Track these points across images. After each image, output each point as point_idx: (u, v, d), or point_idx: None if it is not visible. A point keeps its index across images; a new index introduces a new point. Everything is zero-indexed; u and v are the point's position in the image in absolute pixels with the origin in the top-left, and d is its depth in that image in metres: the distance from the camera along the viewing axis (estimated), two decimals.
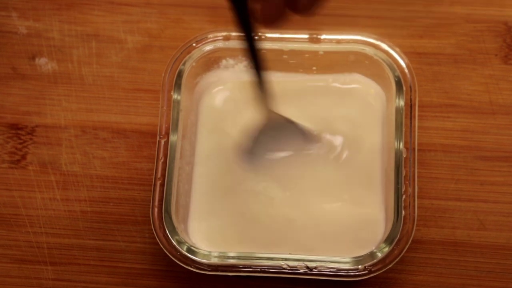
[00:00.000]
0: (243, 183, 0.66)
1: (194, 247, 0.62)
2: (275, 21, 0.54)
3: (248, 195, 0.66)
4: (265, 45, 0.66)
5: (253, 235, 0.65)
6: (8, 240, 0.68)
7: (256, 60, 0.57)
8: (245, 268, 0.62)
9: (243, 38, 0.55)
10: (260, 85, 0.60)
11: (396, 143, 0.64)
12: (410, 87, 0.65)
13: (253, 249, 0.64)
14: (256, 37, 0.55)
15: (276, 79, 0.65)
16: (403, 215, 0.62)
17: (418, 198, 0.62)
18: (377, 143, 0.67)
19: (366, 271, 0.61)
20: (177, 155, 0.64)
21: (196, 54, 0.67)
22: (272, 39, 0.67)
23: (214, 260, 0.62)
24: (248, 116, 0.67)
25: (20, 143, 0.71)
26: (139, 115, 0.71)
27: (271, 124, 0.64)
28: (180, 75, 0.66)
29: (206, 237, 0.65)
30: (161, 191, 0.63)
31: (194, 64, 0.67)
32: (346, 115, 0.68)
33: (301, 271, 0.61)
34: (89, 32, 0.74)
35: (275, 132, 0.65)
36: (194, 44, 0.67)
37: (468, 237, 0.67)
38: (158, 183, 0.63)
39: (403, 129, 0.64)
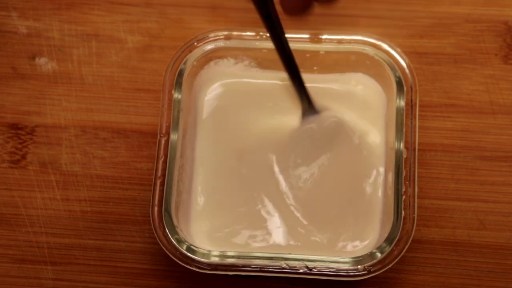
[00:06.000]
0: (244, 181, 0.66)
1: (193, 246, 0.62)
2: (299, 10, 0.53)
3: (249, 193, 0.66)
4: (266, 45, 0.66)
5: (253, 234, 0.65)
6: (8, 240, 0.68)
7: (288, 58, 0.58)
8: (244, 267, 0.62)
9: (271, 35, 0.55)
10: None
11: (396, 144, 0.64)
12: (411, 87, 0.65)
13: (253, 249, 0.64)
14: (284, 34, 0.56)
15: (277, 78, 0.65)
16: (403, 216, 0.62)
17: (418, 198, 0.62)
18: (378, 143, 0.67)
19: (366, 271, 0.61)
20: (178, 154, 0.64)
21: (197, 53, 0.67)
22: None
23: (214, 259, 0.62)
24: (249, 115, 0.68)
25: (20, 143, 0.71)
26: (139, 115, 0.71)
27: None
28: (181, 74, 0.66)
29: (207, 236, 0.65)
30: (161, 190, 0.63)
31: (195, 63, 0.67)
32: (346, 115, 0.68)
33: (301, 270, 0.61)
34: (89, 32, 0.73)
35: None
36: (195, 43, 0.67)
37: (468, 237, 0.67)
38: (158, 182, 0.63)
39: (404, 129, 0.64)
